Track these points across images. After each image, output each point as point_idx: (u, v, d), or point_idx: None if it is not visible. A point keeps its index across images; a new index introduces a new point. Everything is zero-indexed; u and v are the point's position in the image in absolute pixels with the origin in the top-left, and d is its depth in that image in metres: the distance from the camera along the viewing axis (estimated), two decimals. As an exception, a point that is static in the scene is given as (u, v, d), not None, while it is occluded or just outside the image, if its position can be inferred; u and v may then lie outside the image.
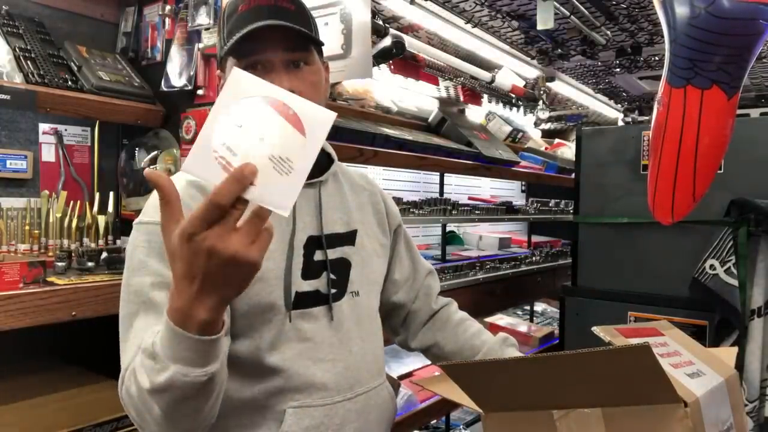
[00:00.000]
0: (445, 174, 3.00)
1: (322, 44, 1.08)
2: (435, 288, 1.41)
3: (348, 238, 1.16)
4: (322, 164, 1.17)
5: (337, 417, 1.05)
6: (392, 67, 2.36)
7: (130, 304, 0.93)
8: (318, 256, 1.09)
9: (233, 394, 1.00)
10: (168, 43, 1.78)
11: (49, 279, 1.37)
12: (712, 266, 1.91)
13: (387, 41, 1.98)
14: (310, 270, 1.07)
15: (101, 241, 1.74)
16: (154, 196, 1.01)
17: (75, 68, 1.68)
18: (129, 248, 1.00)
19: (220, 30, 1.05)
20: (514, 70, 2.93)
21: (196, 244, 0.67)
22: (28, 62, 1.57)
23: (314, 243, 1.09)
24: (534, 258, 3.20)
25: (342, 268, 1.13)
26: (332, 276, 1.10)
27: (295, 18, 1.01)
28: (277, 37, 0.99)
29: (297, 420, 1.01)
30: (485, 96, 3.15)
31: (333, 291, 1.10)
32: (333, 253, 1.12)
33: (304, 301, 1.06)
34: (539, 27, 2.12)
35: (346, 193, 1.20)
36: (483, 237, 3.47)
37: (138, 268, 0.95)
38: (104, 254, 1.56)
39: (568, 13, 2.22)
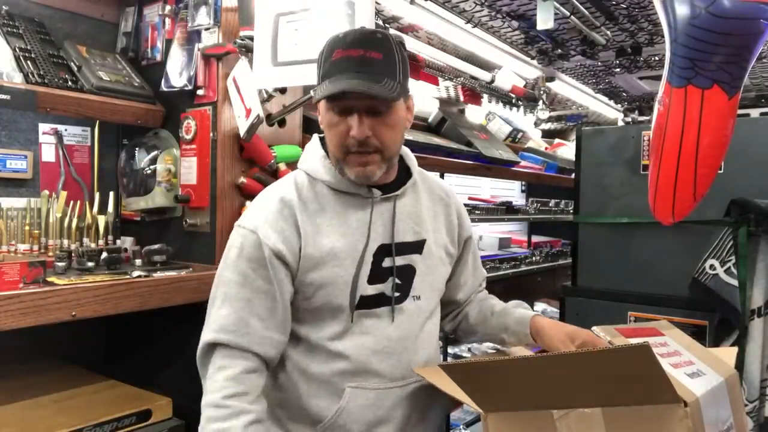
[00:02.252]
0: (445, 174, 2.99)
1: (405, 97, 1.21)
2: (483, 293, 1.54)
3: (417, 246, 1.28)
4: (400, 179, 1.30)
5: (388, 400, 1.21)
6: (392, 67, 2.35)
7: (217, 290, 1.18)
8: (386, 262, 1.23)
9: (306, 368, 1.20)
10: (168, 43, 1.78)
11: (49, 279, 1.37)
12: (712, 266, 1.91)
13: (387, 41, 1.97)
14: (377, 275, 1.22)
15: (101, 241, 1.74)
16: (257, 203, 1.23)
17: (75, 68, 1.68)
18: (228, 245, 1.21)
19: (318, 69, 1.19)
20: (514, 70, 2.92)
21: None
22: (28, 62, 1.57)
23: (384, 251, 1.23)
24: (534, 258, 3.20)
25: (407, 274, 1.26)
26: (397, 281, 1.24)
27: (381, 70, 1.13)
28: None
29: (354, 398, 1.19)
30: (485, 96, 3.15)
31: (396, 294, 1.24)
32: (400, 260, 1.25)
33: (368, 303, 1.21)
34: (539, 27, 2.11)
35: (422, 203, 1.33)
36: (483, 237, 3.47)
37: (229, 265, 1.18)
38: (104, 254, 1.56)
39: (568, 13, 2.22)
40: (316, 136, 1.31)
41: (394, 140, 1.20)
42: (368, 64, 1.13)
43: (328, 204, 1.22)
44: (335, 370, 1.19)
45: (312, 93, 1.23)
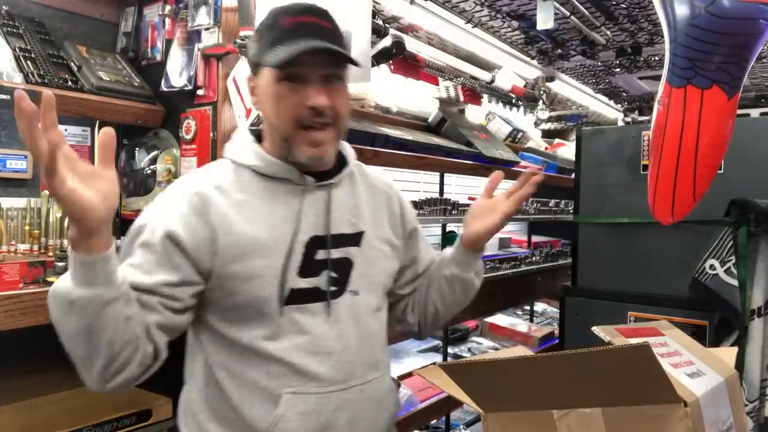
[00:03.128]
0: (445, 174, 3.00)
1: (358, 64, 1.13)
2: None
3: (354, 239, 1.20)
4: (336, 167, 1.21)
5: (330, 405, 1.11)
6: (392, 67, 2.36)
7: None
8: (320, 255, 1.14)
9: (239, 374, 1.10)
10: (168, 43, 1.78)
11: (49, 279, 1.37)
12: (712, 266, 1.91)
13: (387, 41, 1.98)
14: (310, 268, 1.13)
15: (101, 241, 1.74)
16: (164, 193, 1.14)
17: (75, 68, 1.68)
18: (126, 240, 1.10)
19: (259, 38, 1.12)
20: (514, 70, 2.93)
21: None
22: (28, 62, 1.57)
23: (318, 242, 1.14)
24: (534, 258, 3.19)
25: (344, 267, 1.17)
26: (333, 274, 1.15)
27: (334, 37, 1.10)
28: (317, 54, 1.06)
29: (292, 404, 1.08)
30: (485, 96, 3.15)
31: (333, 289, 1.15)
32: (336, 253, 1.16)
33: (300, 297, 1.11)
34: (539, 27, 2.12)
35: (360, 194, 1.25)
36: (483, 237, 3.46)
37: (124, 253, 1.07)
38: (104, 254, 1.56)
39: (568, 13, 2.22)
40: (242, 127, 1.25)
41: (347, 114, 1.15)
42: (323, 30, 1.09)
43: (254, 192, 1.13)
44: (270, 374, 1.09)
45: (258, 60, 1.12)
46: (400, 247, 1.32)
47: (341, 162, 1.23)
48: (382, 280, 1.26)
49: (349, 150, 1.27)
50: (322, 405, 1.11)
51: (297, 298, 1.11)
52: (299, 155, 1.11)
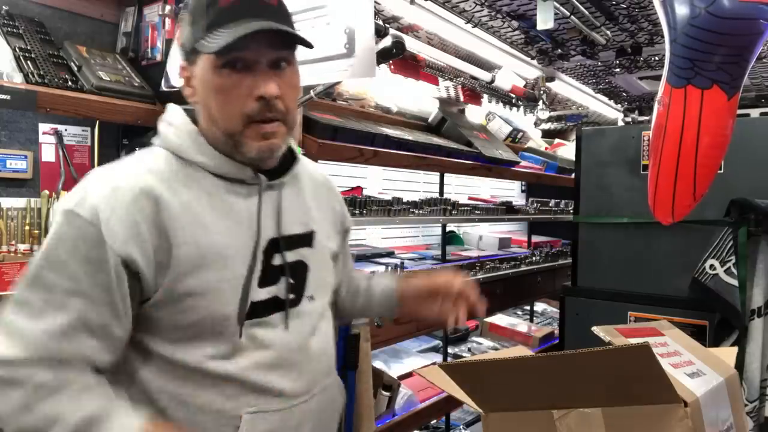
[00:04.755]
0: (445, 174, 3.00)
1: (311, 46, 1.00)
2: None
3: (306, 239, 1.10)
4: (286, 164, 1.09)
5: (293, 419, 1.03)
6: (392, 67, 2.36)
7: (33, 293, 0.88)
8: (276, 260, 1.03)
9: (188, 399, 0.96)
10: (168, 43, 1.78)
11: (49, 279, 1.37)
12: (712, 266, 1.91)
13: (387, 41, 1.98)
14: (269, 276, 1.02)
15: (101, 241, 1.74)
16: (99, 183, 0.92)
17: (75, 68, 1.68)
18: (52, 235, 0.90)
19: (193, 20, 0.97)
20: (514, 70, 2.93)
21: None
22: (28, 62, 1.57)
23: (273, 246, 1.03)
24: (534, 258, 3.19)
25: (300, 271, 1.08)
26: (290, 280, 1.05)
27: (281, 16, 0.96)
28: (263, 36, 0.93)
29: (253, 425, 0.98)
30: (485, 96, 3.15)
31: (291, 296, 1.05)
32: (291, 256, 1.06)
33: (259, 311, 1.00)
34: (539, 27, 2.11)
35: (305, 193, 1.14)
36: (483, 237, 3.47)
37: (53, 263, 0.88)
38: (104, 254, 1.56)
39: (568, 13, 2.22)
40: (174, 108, 1.05)
41: (295, 106, 1.03)
42: (270, 9, 0.95)
43: (205, 193, 0.97)
44: (227, 395, 0.96)
45: (193, 46, 0.96)
46: (337, 247, 1.22)
47: (287, 157, 1.10)
48: (332, 281, 1.19)
49: (294, 143, 1.15)
50: (286, 421, 1.02)
51: (257, 311, 1.00)
52: (248, 151, 0.97)
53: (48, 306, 0.87)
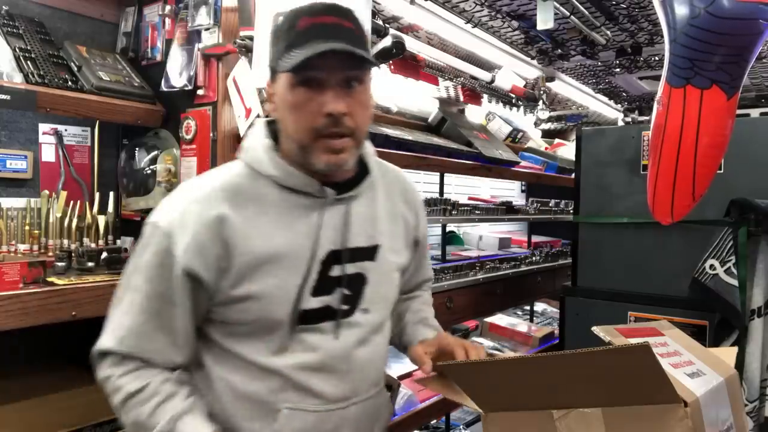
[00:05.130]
0: (445, 174, 3.00)
1: (378, 66, 1.09)
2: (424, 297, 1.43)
3: (369, 252, 1.15)
4: (357, 178, 1.15)
5: (329, 423, 1.09)
6: (392, 67, 2.36)
7: (125, 293, 1.05)
8: (335, 271, 1.09)
9: (238, 386, 1.07)
10: (168, 43, 1.78)
11: (49, 279, 1.37)
12: (712, 266, 1.91)
13: (387, 41, 1.98)
14: (324, 286, 1.08)
15: (101, 241, 1.74)
16: (179, 198, 1.07)
17: (75, 68, 1.68)
18: (140, 242, 1.06)
19: (276, 42, 1.05)
20: (514, 70, 2.93)
21: None
22: (28, 62, 1.57)
23: (334, 257, 1.09)
24: (534, 258, 3.19)
25: (357, 284, 1.13)
26: (346, 292, 1.11)
27: (354, 38, 1.02)
28: (335, 57, 0.99)
29: (289, 421, 1.06)
30: (485, 96, 3.15)
31: (344, 307, 1.11)
32: (351, 268, 1.11)
33: (310, 318, 1.07)
34: (539, 27, 2.11)
35: (378, 203, 1.18)
36: (483, 237, 3.47)
37: (139, 268, 1.04)
38: (104, 254, 1.57)
39: (568, 13, 2.22)
40: (260, 122, 1.15)
41: (366, 123, 1.08)
42: (344, 31, 1.01)
43: (272, 204, 1.06)
44: (271, 388, 1.06)
45: (274, 65, 1.06)
46: (408, 258, 1.27)
47: (361, 168, 1.16)
48: (392, 296, 1.22)
49: (370, 156, 1.20)
50: (322, 423, 1.08)
51: (308, 318, 1.07)
52: (316, 163, 1.04)
53: (132, 305, 1.03)
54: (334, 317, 1.09)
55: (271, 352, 1.06)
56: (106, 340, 1.04)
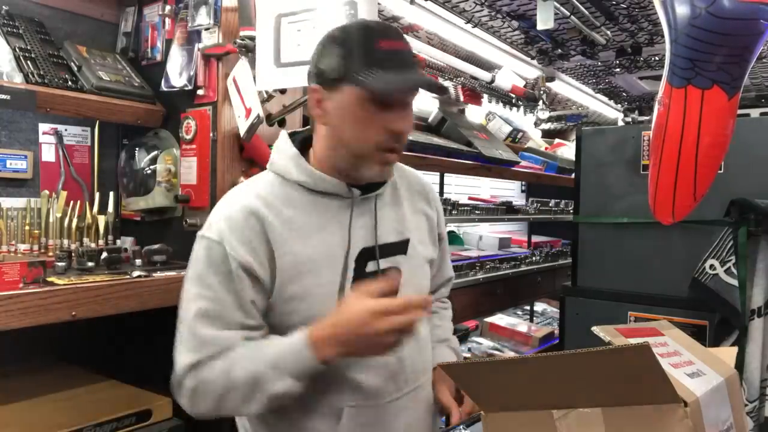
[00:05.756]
0: (445, 174, 3.00)
1: (444, 93, 1.24)
2: (443, 294, 1.47)
3: (401, 247, 1.20)
4: None
5: (388, 414, 1.15)
6: (392, 67, 2.36)
7: (187, 303, 1.08)
8: (370, 267, 1.14)
9: (308, 389, 1.07)
10: (168, 43, 1.78)
11: (49, 279, 1.37)
12: (712, 266, 1.91)
13: (387, 41, 1.98)
14: (362, 282, 1.11)
15: (101, 241, 1.74)
16: (220, 211, 1.11)
17: (75, 68, 1.68)
18: (193, 256, 1.11)
19: (345, 54, 1.06)
20: (514, 70, 2.93)
21: (371, 326, 0.96)
22: (28, 62, 1.57)
23: (367, 254, 1.14)
24: (534, 258, 3.20)
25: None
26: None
27: (415, 63, 1.12)
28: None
29: (352, 417, 1.11)
30: (485, 96, 3.15)
31: None
32: (384, 263, 1.16)
33: None
34: (539, 27, 2.11)
35: (402, 200, 1.24)
36: (483, 237, 3.47)
37: (196, 279, 1.08)
38: (104, 254, 1.56)
39: (568, 13, 2.22)
40: (284, 134, 1.21)
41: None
42: (410, 55, 1.11)
43: (303, 208, 1.12)
44: (331, 390, 1.10)
45: (342, 76, 1.07)
46: (435, 251, 1.32)
47: None
48: (426, 287, 1.27)
49: None
50: (381, 415, 1.13)
51: None
52: (368, 172, 1.11)
53: (199, 315, 1.05)
54: None
55: None
56: (186, 357, 1.05)
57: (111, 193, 1.82)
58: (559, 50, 2.73)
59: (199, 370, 1.04)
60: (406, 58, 1.09)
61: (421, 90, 1.15)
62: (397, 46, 1.07)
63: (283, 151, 1.17)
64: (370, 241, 1.15)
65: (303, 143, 1.18)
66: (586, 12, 2.26)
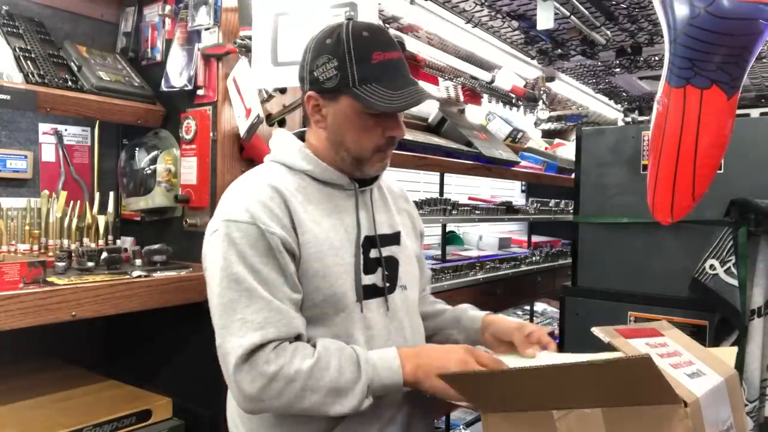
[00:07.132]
0: (445, 174, 3.00)
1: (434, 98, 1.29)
2: (428, 293, 1.54)
3: (394, 238, 1.29)
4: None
5: (395, 400, 1.18)
6: (392, 67, 2.35)
7: (230, 291, 1.07)
8: (372, 254, 1.23)
9: None
10: (168, 43, 1.78)
11: (49, 279, 1.37)
12: (712, 266, 1.91)
13: (387, 41, 1.98)
14: (368, 266, 1.21)
15: (101, 241, 1.74)
16: (239, 197, 1.14)
17: (75, 68, 1.68)
18: (220, 241, 1.10)
19: (340, 66, 1.12)
20: (514, 70, 2.93)
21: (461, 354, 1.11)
22: (28, 62, 1.57)
23: (369, 242, 1.22)
24: (534, 258, 3.19)
25: (392, 264, 1.26)
26: (385, 272, 1.23)
27: (408, 69, 1.19)
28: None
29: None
30: (485, 96, 3.15)
31: (387, 285, 1.23)
32: (384, 251, 1.25)
33: (366, 293, 1.19)
34: (539, 27, 2.11)
35: (387, 198, 1.35)
36: (483, 237, 3.47)
37: (237, 260, 1.07)
38: (104, 254, 1.56)
39: (568, 13, 2.22)
40: (281, 131, 1.30)
41: None
42: (404, 63, 1.18)
43: (313, 194, 1.19)
44: None
45: (340, 88, 1.13)
46: (419, 246, 1.42)
47: None
48: (417, 276, 1.36)
49: None
50: (388, 400, 1.16)
51: (365, 294, 1.19)
52: (370, 170, 1.21)
53: (252, 296, 1.06)
54: (381, 294, 1.22)
55: (344, 332, 1.15)
56: (247, 340, 1.04)
57: (111, 193, 1.82)
58: (559, 50, 2.73)
59: (279, 357, 1.04)
60: (400, 67, 1.16)
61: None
62: (393, 58, 1.14)
63: (287, 143, 1.24)
64: (371, 230, 1.24)
65: (299, 139, 1.26)
66: (586, 12, 2.26)
